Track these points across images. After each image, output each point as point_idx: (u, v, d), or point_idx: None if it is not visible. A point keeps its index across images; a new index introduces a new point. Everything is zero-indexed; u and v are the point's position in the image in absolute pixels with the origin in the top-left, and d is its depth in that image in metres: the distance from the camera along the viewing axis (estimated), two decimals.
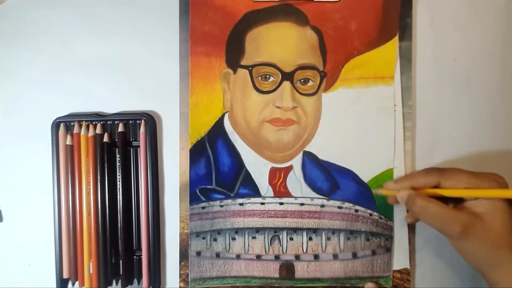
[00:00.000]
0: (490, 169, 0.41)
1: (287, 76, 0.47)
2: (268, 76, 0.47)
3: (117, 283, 0.47)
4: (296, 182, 0.47)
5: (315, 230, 0.47)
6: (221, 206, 0.47)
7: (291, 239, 0.47)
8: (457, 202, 0.41)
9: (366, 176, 0.47)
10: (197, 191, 0.47)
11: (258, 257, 0.47)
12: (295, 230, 0.47)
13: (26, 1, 0.48)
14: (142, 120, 0.47)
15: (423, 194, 0.41)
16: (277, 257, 0.47)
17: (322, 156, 0.47)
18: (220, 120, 0.47)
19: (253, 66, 0.47)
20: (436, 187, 0.41)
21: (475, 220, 0.39)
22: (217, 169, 0.47)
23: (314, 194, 0.47)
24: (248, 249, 0.47)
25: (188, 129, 0.47)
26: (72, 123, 0.47)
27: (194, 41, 0.47)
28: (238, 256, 0.47)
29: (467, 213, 0.40)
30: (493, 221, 0.39)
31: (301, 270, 0.47)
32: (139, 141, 0.47)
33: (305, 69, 0.47)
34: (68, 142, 0.47)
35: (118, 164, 0.47)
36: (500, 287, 0.39)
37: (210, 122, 0.47)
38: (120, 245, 0.47)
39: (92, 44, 0.48)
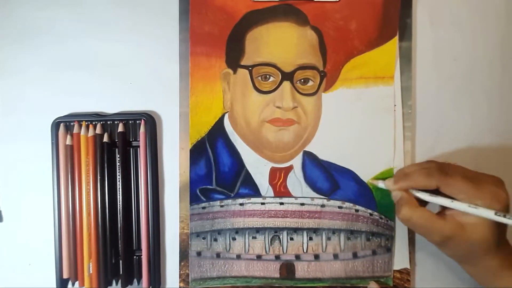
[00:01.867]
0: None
1: (287, 76, 0.47)
2: (268, 76, 0.47)
3: (117, 283, 0.47)
4: (296, 182, 0.47)
5: (315, 230, 0.47)
6: (222, 206, 0.47)
7: (292, 239, 0.47)
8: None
9: (366, 176, 0.47)
10: (197, 191, 0.47)
11: (259, 257, 0.47)
12: (296, 230, 0.47)
13: (27, 1, 0.48)
14: (142, 120, 0.47)
15: (412, 201, 0.41)
16: (277, 257, 0.47)
17: (322, 156, 0.47)
18: (220, 120, 0.47)
19: (253, 66, 0.47)
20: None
21: (456, 231, 0.40)
22: (217, 169, 0.47)
23: (315, 194, 0.47)
24: (248, 249, 0.47)
25: (188, 129, 0.47)
26: (72, 123, 0.47)
27: (194, 41, 0.47)
28: (238, 256, 0.47)
29: (450, 223, 0.40)
30: (474, 233, 0.40)
31: (302, 270, 0.47)
32: (139, 141, 0.47)
33: (305, 69, 0.47)
34: (68, 142, 0.47)
35: (118, 164, 0.47)
36: (475, 279, 0.43)
37: (210, 122, 0.47)
38: (120, 245, 0.47)
39: (92, 44, 0.48)
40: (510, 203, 0.40)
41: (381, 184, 0.45)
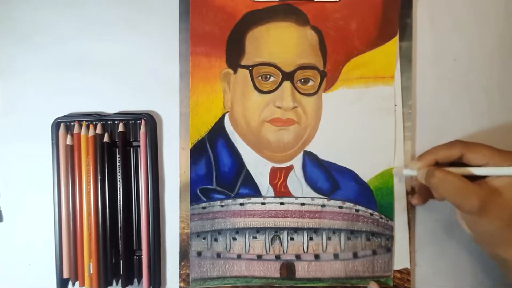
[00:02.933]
0: None
1: (288, 76, 0.47)
2: (268, 76, 0.47)
3: (117, 283, 0.47)
4: (296, 182, 0.47)
5: (315, 230, 0.47)
6: (222, 206, 0.47)
7: (292, 239, 0.47)
8: (476, 177, 0.41)
9: (366, 175, 0.47)
10: (198, 191, 0.47)
11: (259, 257, 0.47)
12: (296, 230, 0.47)
13: (27, 1, 0.48)
14: (142, 120, 0.47)
15: (442, 168, 0.41)
16: (277, 257, 0.47)
17: (322, 156, 0.47)
18: (221, 120, 0.47)
19: (253, 66, 0.47)
20: (459, 160, 0.41)
21: (493, 195, 0.39)
22: (217, 169, 0.47)
23: (315, 194, 0.47)
24: (248, 249, 0.47)
25: (189, 129, 0.47)
26: (72, 123, 0.47)
27: (194, 41, 0.47)
28: (238, 256, 0.47)
29: (486, 188, 0.39)
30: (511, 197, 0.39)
31: (302, 270, 0.47)
32: (139, 141, 0.47)
33: (305, 69, 0.47)
34: (68, 142, 0.47)
35: (118, 164, 0.47)
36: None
37: (210, 122, 0.47)
38: (120, 245, 0.47)
39: (92, 44, 0.48)
40: None
41: (406, 172, 0.44)
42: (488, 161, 0.40)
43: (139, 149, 0.47)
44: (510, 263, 0.40)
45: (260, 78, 0.47)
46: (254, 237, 0.47)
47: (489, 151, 0.40)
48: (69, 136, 0.47)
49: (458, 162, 0.42)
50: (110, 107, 0.48)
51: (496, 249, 0.40)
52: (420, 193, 0.45)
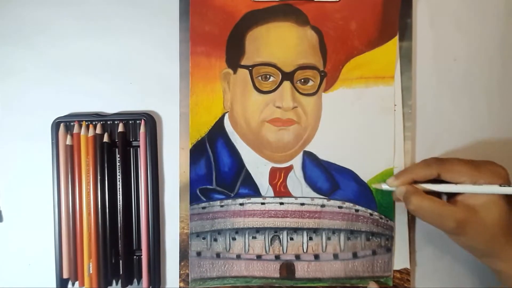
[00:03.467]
0: None
1: (287, 76, 0.47)
2: (268, 76, 0.47)
3: (117, 283, 0.47)
4: (296, 182, 0.47)
5: (315, 230, 0.47)
6: (222, 206, 0.47)
7: (292, 239, 0.47)
8: (452, 194, 0.42)
9: (366, 176, 0.47)
10: (197, 191, 0.47)
11: (259, 257, 0.47)
12: (296, 230, 0.47)
13: (27, 1, 0.48)
14: (142, 120, 0.47)
15: (419, 191, 0.41)
16: (277, 257, 0.47)
17: (322, 156, 0.47)
18: (220, 120, 0.47)
19: (253, 66, 0.47)
20: (436, 178, 0.42)
21: (469, 214, 0.39)
22: (217, 169, 0.47)
23: (315, 194, 0.47)
24: (248, 249, 0.47)
25: (188, 129, 0.47)
26: (72, 123, 0.47)
27: (194, 41, 0.47)
28: (238, 256, 0.47)
29: (461, 208, 0.40)
30: (488, 214, 0.39)
31: (302, 270, 0.47)
32: (139, 141, 0.47)
33: (305, 69, 0.47)
34: (68, 142, 0.47)
35: (118, 164, 0.47)
36: (505, 275, 0.40)
37: (210, 122, 0.47)
38: (120, 245, 0.47)
39: (92, 44, 0.48)
40: (510, 178, 0.41)
41: (384, 186, 0.45)
42: (464, 178, 0.40)
43: (139, 149, 0.47)
44: (502, 274, 0.41)
45: (260, 78, 0.47)
46: (254, 237, 0.47)
47: (465, 167, 0.40)
48: (69, 136, 0.47)
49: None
50: (110, 107, 0.48)
51: (485, 261, 0.42)
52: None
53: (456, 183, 0.41)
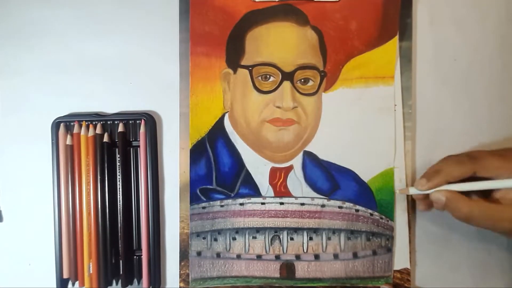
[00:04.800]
0: None
1: (287, 76, 0.47)
2: (268, 76, 0.47)
3: (117, 283, 0.47)
4: (296, 182, 0.47)
5: (315, 230, 0.47)
6: (222, 206, 0.47)
7: (292, 239, 0.47)
8: (486, 191, 0.40)
9: (366, 175, 0.47)
10: (198, 191, 0.47)
11: (259, 257, 0.47)
12: (296, 230, 0.47)
13: (27, 1, 0.48)
14: (142, 120, 0.47)
15: (463, 196, 0.39)
16: (277, 257, 0.47)
17: (322, 156, 0.47)
18: (220, 120, 0.47)
19: (253, 66, 0.47)
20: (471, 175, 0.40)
21: None
22: (217, 169, 0.47)
23: (315, 194, 0.47)
24: (248, 249, 0.47)
25: (188, 129, 0.47)
26: (72, 123, 0.47)
27: (194, 41, 0.47)
28: (238, 256, 0.47)
29: (509, 205, 0.38)
30: None
31: (302, 270, 0.47)
32: (139, 141, 0.47)
33: (305, 69, 0.47)
34: (68, 142, 0.47)
35: (118, 164, 0.47)
36: None
37: (210, 122, 0.47)
38: (120, 245, 0.47)
39: (92, 44, 0.48)
40: None
41: (412, 190, 0.43)
42: (502, 172, 0.38)
43: (139, 149, 0.47)
44: None
45: (260, 78, 0.47)
46: (254, 237, 0.47)
47: (499, 161, 0.38)
48: (69, 136, 0.47)
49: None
50: (110, 107, 0.48)
51: None
52: (425, 202, 0.44)
53: (490, 178, 0.38)
